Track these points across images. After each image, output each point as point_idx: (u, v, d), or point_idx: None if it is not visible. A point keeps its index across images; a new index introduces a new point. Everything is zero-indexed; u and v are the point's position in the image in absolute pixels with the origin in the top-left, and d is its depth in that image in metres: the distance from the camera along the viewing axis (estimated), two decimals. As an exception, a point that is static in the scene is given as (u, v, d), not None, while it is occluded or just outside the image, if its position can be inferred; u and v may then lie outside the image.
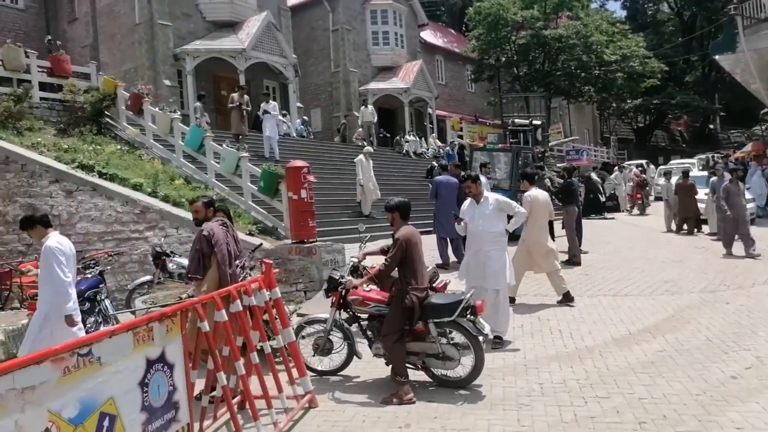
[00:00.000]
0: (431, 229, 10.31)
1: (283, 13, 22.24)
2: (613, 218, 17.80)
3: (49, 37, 17.49)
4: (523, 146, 20.66)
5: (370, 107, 21.45)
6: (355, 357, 5.46)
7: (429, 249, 8.99)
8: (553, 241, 8.56)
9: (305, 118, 22.55)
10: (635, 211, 19.62)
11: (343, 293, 5.31)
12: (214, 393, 4.29)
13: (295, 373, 4.82)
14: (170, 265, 8.29)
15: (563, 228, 11.18)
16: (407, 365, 4.97)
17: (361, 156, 13.65)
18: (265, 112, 15.51)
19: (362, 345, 5.48)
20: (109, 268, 8.42)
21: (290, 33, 22.46)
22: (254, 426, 4.05)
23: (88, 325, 7.03)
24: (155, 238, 9.45)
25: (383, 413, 4.57)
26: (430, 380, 5.13)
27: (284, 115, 19.19)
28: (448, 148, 23.35)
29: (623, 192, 20.60)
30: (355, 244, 9.53)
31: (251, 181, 10.64)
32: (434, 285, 5.65)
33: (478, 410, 4.50)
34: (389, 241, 5.38)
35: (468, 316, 4.94)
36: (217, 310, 3.89)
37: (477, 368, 4.93)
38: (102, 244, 9.70)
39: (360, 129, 21.95)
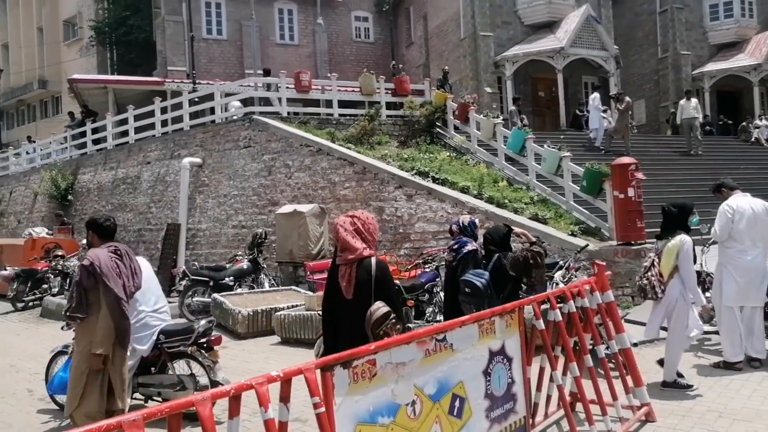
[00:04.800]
0: None
1: (603, 3, 21.21)
2: None
3: (394, 62, 20.37)
4: None
5: (693, 101, 17.49)
6: None
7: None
8: None
9: (629, 111, 21.08)
10: None
11: None
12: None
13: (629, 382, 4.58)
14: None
15: None
16: None
17: None
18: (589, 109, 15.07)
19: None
20: (443, 263, 9.33)
21: (611, 23, 21.31)
22: (588, 430, 4.01)
23: (427, 315, 8.00)
24: (480, 238, 10.08)
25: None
26: None
27: (605, 111, 18.29)
28: None
29: None
30: (692, 248, 8.57)
31: (573, 181, 10.48)
32: None
33: None
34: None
35: None
36: (552, 310, 3.98)
37: None
38: (435, 242, 10.76)
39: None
